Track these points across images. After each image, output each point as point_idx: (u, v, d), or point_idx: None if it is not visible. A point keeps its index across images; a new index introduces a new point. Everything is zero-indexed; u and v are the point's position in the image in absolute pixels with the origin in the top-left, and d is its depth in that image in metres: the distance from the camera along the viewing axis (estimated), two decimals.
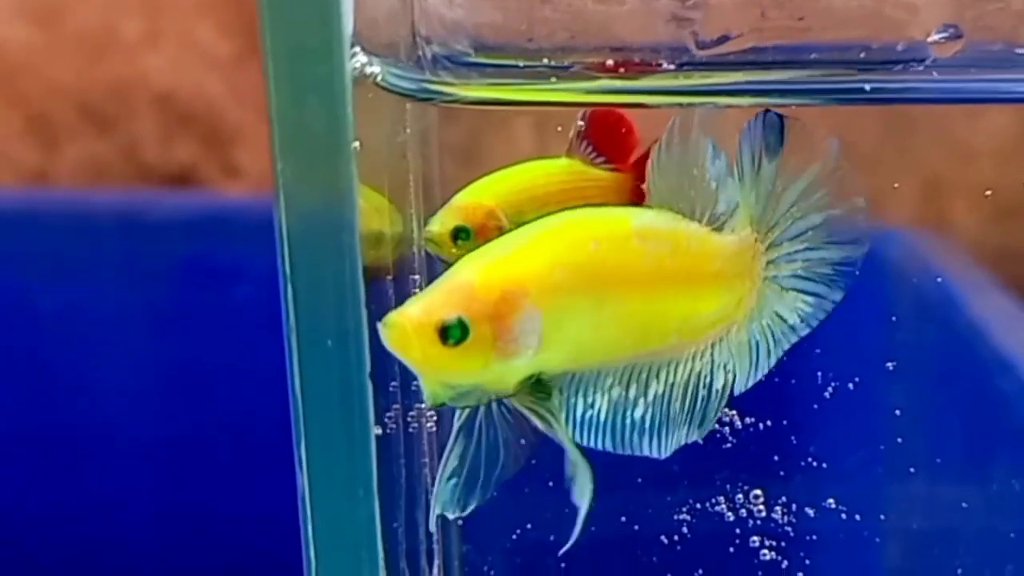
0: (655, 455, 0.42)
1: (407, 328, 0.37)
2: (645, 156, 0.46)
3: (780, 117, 0.42)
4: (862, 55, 0.43)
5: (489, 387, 0.39)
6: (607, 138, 0.48)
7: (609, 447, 0.41)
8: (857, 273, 0.44)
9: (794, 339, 0.44)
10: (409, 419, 0.46)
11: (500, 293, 0.38)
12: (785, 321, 0.44)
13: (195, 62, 1.13)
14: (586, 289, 0.40)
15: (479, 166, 0.47)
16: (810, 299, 0.44)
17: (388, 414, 0.44)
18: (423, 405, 0.45)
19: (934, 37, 0.43)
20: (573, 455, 0.40)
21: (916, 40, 0.43)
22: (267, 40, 0.35)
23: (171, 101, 1.13)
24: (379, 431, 0.39)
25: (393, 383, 0.45)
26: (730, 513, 0.48)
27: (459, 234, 0.45)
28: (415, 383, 0.46)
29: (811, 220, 0.43)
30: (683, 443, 0.42)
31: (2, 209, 1.06)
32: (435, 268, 0.47)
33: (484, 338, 0.38)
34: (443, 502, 0.41)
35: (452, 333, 0.37)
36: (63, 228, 1.03)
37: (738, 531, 0.49)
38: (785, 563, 0.50)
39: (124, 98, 1.13)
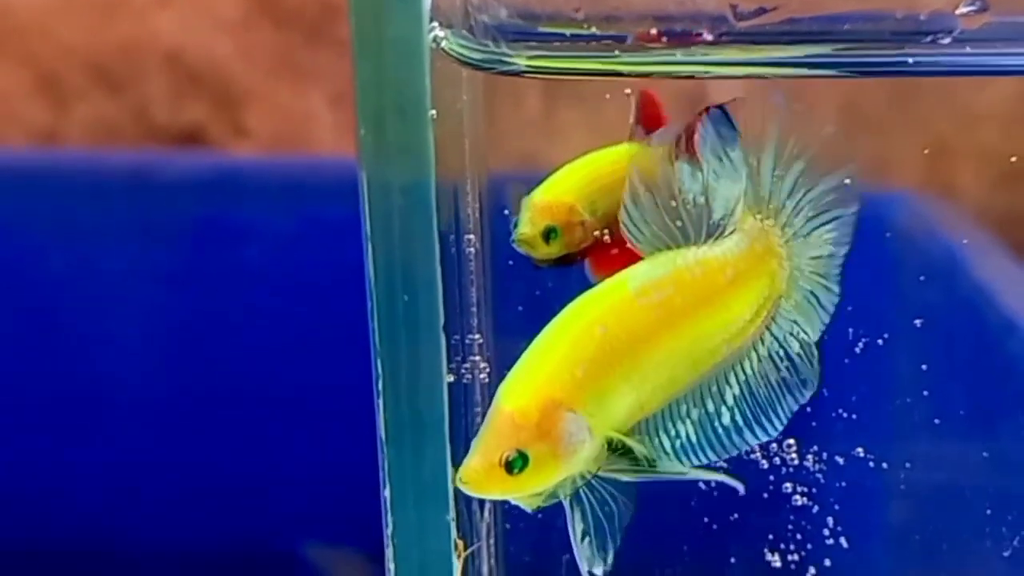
0: (770, 436, 0.44)
1: (479, 478, 0.41)
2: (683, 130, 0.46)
3: (720, 108, 0.43)
4: (893, 26, 0.44)
5: (578, 478, 0.42)
6: (653, 118, 0.49)
7: (718, 457, 0.44)
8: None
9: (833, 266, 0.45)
10: (463, 371, 0.47)
11: (538, 414, 0.41)
12: (819, 258, 0.45)
13: (205, 22, 1.12)
14: (612, 368, 0.42)
15: (535, 137, 0.48)
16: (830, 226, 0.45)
17: (449, 365, 0.46)
18: (477, 357, 0.47)
19: (962, 9, 0.44)
20: (702, 476, 0.44)
21: (944, 11, 0.44)
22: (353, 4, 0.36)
23: (181, 61, 1.13)
24: (451, 378, 0.41)
25: (456, 336, 0.46)
26: (764, 461, 0.50)
27: (549, 234, 0.47)
28: (469, 336, 0.48)
29: (811, 194, 0.44)
30: (796, 408, 0.44)
31: (12, 169, 1.06)
32: (485, 232, 0.48)
33: (543, 455, 0.41)
34: (587, 559, 0.43)
35: (515, 465, 0.41)
36: (73, 188, 1.03)
37: (772, 478, 0.50)
38: (816, 508, 0.52)
39: (134, 58, 1.13)
